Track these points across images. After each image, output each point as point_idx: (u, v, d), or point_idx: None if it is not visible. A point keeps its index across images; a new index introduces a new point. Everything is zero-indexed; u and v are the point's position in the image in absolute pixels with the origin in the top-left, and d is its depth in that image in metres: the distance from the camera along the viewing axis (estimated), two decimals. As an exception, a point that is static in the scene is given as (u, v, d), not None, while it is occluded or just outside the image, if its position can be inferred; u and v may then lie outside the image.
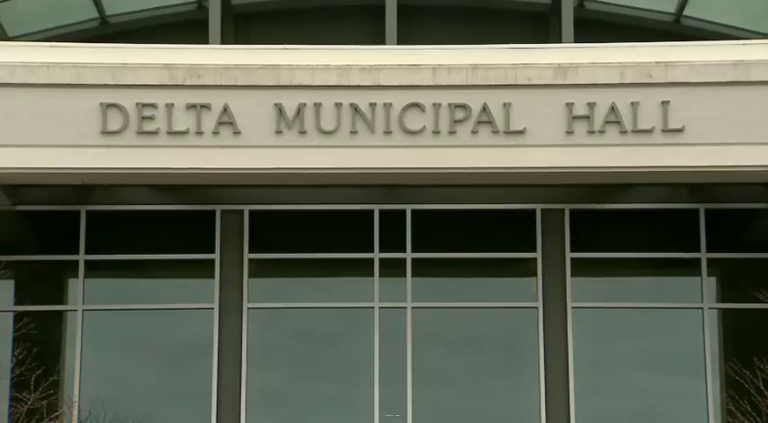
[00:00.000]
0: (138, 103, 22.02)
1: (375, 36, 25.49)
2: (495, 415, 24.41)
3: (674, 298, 24.70)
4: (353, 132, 22.19)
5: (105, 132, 21.99)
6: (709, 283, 24.62)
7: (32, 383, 21.39)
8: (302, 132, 22.18)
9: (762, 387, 20.89)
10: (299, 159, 22.26)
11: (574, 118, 22.03)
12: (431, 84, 22.25)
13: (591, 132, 22.11)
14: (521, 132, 22.10)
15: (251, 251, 24.47)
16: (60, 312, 24.67)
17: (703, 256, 24.47)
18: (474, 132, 22.19)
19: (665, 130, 22.05)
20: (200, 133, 22.12)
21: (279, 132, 22.15)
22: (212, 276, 24.39)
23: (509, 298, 24.75)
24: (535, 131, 22.09)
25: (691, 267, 24.63)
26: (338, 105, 22.16)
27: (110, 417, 23.84)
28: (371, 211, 24.55)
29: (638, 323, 24.57)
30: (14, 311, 23.85)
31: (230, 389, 24.27)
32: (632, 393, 24.28)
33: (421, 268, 24.58)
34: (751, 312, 24.19)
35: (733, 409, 21.63)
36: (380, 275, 24.48)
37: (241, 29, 26.51)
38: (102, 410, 23.84)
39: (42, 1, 26.22)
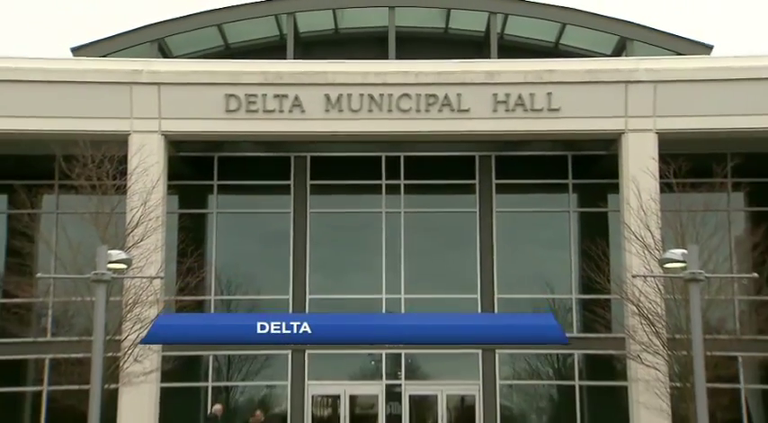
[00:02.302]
0: (246, 94, 24.07)
1: (383, 55, 27.46)
2: (449, 270, 25.52)
3: (553, 205, 26.49)
4: (370, 111, 23.92)
5: (228, 111, 24.01)
6: (573, 198, 26.34)
7: (189, 253, 23.07)
8: (341, 111, 23.90)
9: (601, 255, 23.20)
10: (339, 127, 24.09)
11: (497, 102, 24.02)
12: (415, 82, 24.33)
13: (507, 111, 24.00)
14: (467, 111, 24.14)
15: (311, 179, 26.17)
16: (203, 214, 26.27)
17: (570, 182, 26.44)
18: (440, 111, 24.01)
19: (550, 109, 23.99)
20: (281, 111, 23.88)
21: (327, 111, 24.02)
22: (289, 194, 26.14)
23: (459, 206, 26.37)
24: (475, 110, 24.15)
25: (563, 188, 26.34)
26: (361, 95, 24.02)
27: (233, 272, 25.88)
28: (380, 157, 26.14)
29: (533, 220, 26.13)
30: (178, 213, 25.87)
31: (300, 258, 25.79)
32: (530, 260, 25.40)
33: (410, 189, 26.13)
34: (596, 214, 26.02)
35: (585, 268, 23.95)
36: (386, 193, 25.94)
37: (306, 50, 27.95)
38: (227, 270, 25.80)
39: (188, 34, 27.37)
